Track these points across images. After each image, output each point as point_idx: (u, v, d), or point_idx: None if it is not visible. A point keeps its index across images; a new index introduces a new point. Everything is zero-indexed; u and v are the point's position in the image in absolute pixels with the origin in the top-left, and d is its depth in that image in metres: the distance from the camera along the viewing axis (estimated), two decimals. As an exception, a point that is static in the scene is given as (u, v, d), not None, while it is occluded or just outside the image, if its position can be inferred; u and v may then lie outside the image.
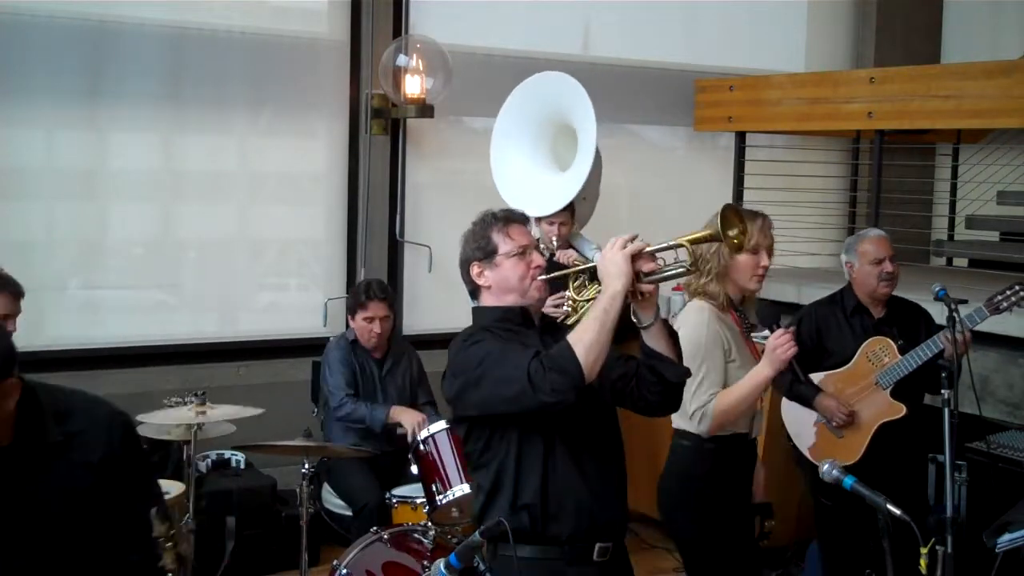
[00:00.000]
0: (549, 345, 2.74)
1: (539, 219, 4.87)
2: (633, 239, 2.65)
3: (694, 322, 3.37)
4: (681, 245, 2.67)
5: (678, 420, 3.39)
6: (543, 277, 2.83)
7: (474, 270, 2.83)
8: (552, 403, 2.56)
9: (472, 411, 2.72)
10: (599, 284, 3.72)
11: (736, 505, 3.41)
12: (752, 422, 3.45)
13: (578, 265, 4.52)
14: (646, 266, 2.65)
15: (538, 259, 2.84)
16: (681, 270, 2.69)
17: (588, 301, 3.77)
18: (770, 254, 3.41)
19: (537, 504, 2.67)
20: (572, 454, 2.73)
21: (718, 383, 3.31)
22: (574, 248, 4.66)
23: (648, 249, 2.66)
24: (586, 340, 2.56)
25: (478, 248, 2.82)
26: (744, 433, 3.43)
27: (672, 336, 2.78)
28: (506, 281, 2.80)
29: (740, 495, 3.44)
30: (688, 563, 3.52)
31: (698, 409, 3.29)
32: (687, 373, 2.85)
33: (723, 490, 3.37)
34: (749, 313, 3.50)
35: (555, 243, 4.77)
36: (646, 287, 2.67)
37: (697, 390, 3.30)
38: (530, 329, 2.82)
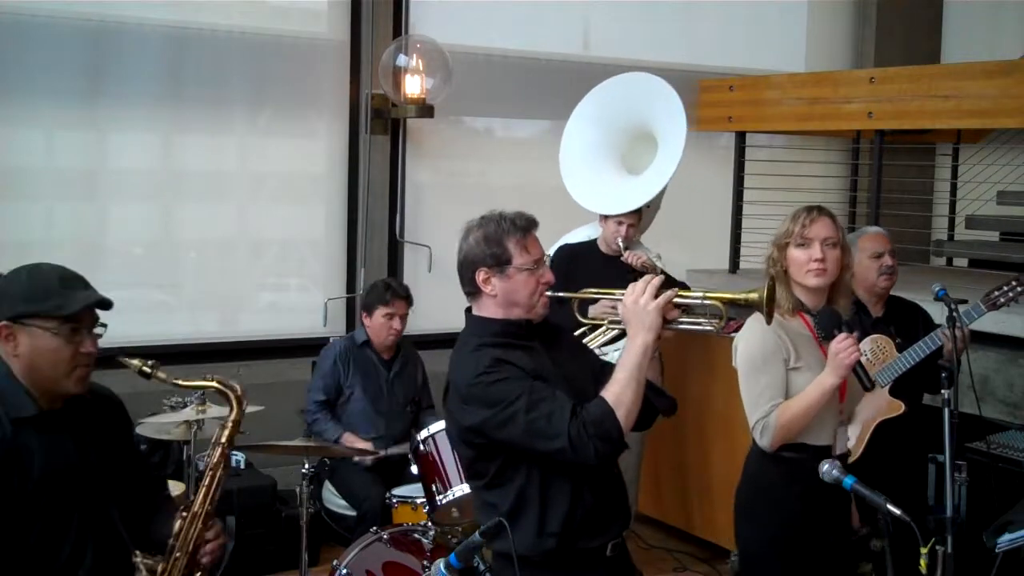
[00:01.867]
0: (551, 360, 2.73)
1: (606, 218, 4.86)
2: (664, 285, 2.62)
3: (750, 334, 3.28)
4: (714, 302, 2.64)
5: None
6: (552, 294, 2.76)
7: (480, 276, 2.71)
8: (593, 465, 2.60)
9: (492, 441, 2.66)
10: None
11: (812, 523, 3.24)
12: (835, 434, 3.28)
13: (647, 268, 4.53)
14: (670, 314, 2.64)
15: (548, 275, 2.75)
16: (709, 328, 2.67)
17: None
18: (835, 247, 3.25)
19: (566, 530, 2.65)
20: (594, 475, 2.70)
21: (779, 393, 3.19)
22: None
23: (678, 300, 2.63)
24: (626, 403, 2.58)
25: (491, 255, 2.69)
26: (823, 446, 3.24)
27: (660, 363, 2.80)
28: (515, 294, 2.71)
29: (820, 516, 3.25)
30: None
31: (760, 421, 3.18)
32: (675, 405, 2.87)
33: (796, 505, 3.21)
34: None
35: (620, 244, 4.75)
36: (665, 333, 2.66)
37: (757, 401, 3.21)
38: (532, 342, 2.76)
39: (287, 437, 4.35)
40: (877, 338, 4.17)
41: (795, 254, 3.25)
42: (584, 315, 2.96)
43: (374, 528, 4.07)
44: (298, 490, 4.22)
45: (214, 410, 4.27)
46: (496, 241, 2.70)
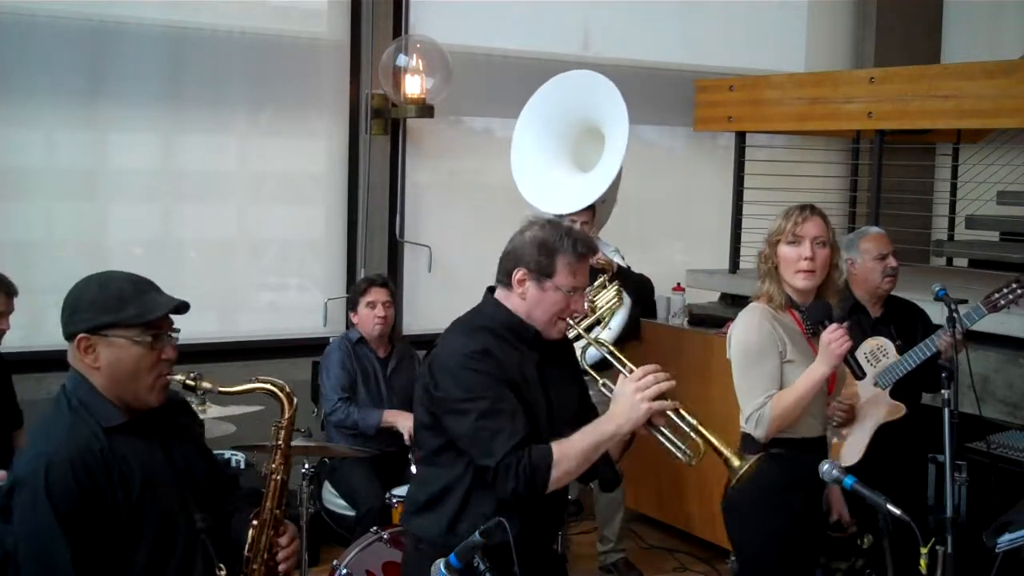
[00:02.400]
0: (542, 375, 2.71)
1: (560, 217, 4.85)
2: (621, 279, 2.59)
3: (744, 325, 3.32)
4: (700, 435, 2.56)
5: (744, 424, 3.30)
6: (571, 323, 2.72)
7: (518, 274, 2.71)
8: (501, 497, 2.58)
9: (440, 419, 2.69)
10: (617, 286, 3.73)
11: (807, 516, 3.31)
12: (824, 426, 3.35)
13: (601, 263, 4.54)
14: (657, 419, 2.58)
15: (580, 305, 2.74)
16: (682, 458, 2.60)
17: (607, 304, 3.80)
18: (825, 247, 3.28)
19: (511, 542, 2.50)
20: (524, 502, 2.64)
21: (773, 385, 3.22)
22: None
23: (670, 412, 2.56)
24: (566, 468, 2.56)
25: (537, 262, 2.68)
26: (817, 437, 3.33)
27: (627, 444, 2.76)
28: (540, 307, 2.70)
29: (812, 505, 3.34)
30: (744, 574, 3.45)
31: (754, 412, 3.21)
32: (618, 483, 2.87)
33: (793, 500, 3.27)
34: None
35: None
36: (640, 430, 2.61)
37: (752, 392, 3.24)
38: (534, 350, 2.75)
39: (287, 437, 4.34)
40: (876, 340, 4.17)
41: (786, 251, 3.28)
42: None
43: (374, 528, 4.07)
44: (298, 490, 4.21)
45: (214, 410, 4.26)
46: (549, 251, 2.68)
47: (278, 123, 5.98)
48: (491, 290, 2.82)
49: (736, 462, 2.55)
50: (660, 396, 2.55)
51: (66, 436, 2.30)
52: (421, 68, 5.88)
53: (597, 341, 2.79)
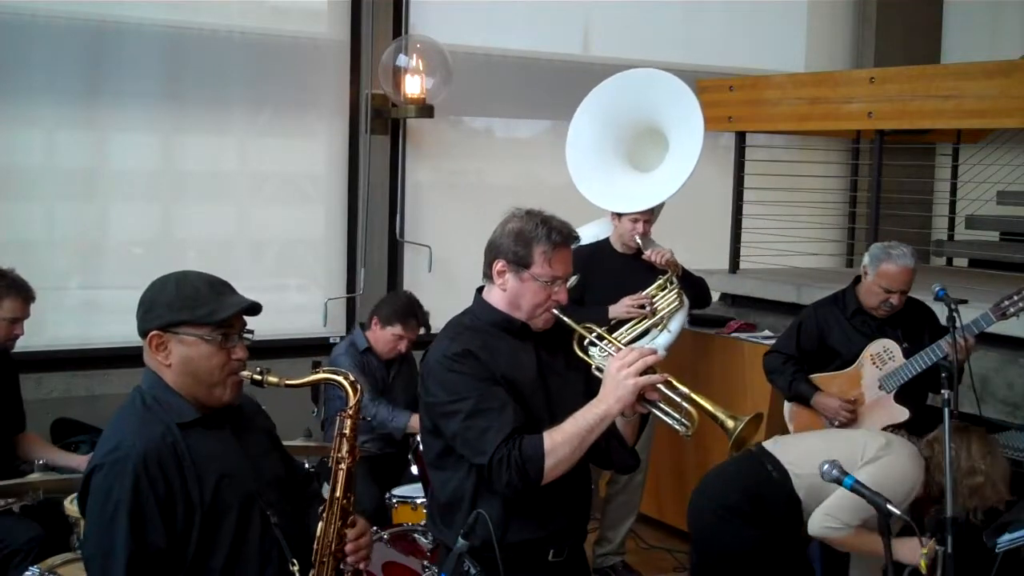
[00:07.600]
0: (540, 365, 2.71)
1: (620, 216, 4.76)
2: (652, 366, 2.51)
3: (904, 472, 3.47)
4: (694, 407, 2.53)
5: None
6: (558, 314, 2.70)
7: (497, 266, 2.70)
8: (500, 493, 2.58)
9: (435, 423, 2.70)
10: (678, 287, 3.71)
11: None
12: None
13: (670, 265, 4.51)
14: (651, 394, 2.55)
15: (562, 295, 2.71)
16: (680, 428, 2.55)
17: (668, 307, 3.81)
18: None
19: (493, 536, 2.52)
20: (533, 490, 2.63)
21: None
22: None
23: (661, 385, 2.53)
24: (560, 456, 2.54)
25: (513, 252, 2.67)
26: None
27: (640, 426, 2.74)
28: (521, 298, 2.70)
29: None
30: None
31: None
32: (635, 466, 2.86)
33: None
34: None
35: (637, 240, 4.67)
36: (638, 408, 2.59)
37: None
38: (526, 342, 2.74)
39: (287, 437, 4.32)
40: (883, 342, 4.16)
41: None
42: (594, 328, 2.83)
43: (374, 528, 4.06)
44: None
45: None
46: (525, 242, 2.67)
47: (278, 123, 5.98)
48: (480, 290, 2.83)
49: (730, 424, 2.54)
50: (649, 371, 2.53)
51: (141, 429, 2.35)
52: (421, 68, 5.88)
53: (584, 326, 2.75)
